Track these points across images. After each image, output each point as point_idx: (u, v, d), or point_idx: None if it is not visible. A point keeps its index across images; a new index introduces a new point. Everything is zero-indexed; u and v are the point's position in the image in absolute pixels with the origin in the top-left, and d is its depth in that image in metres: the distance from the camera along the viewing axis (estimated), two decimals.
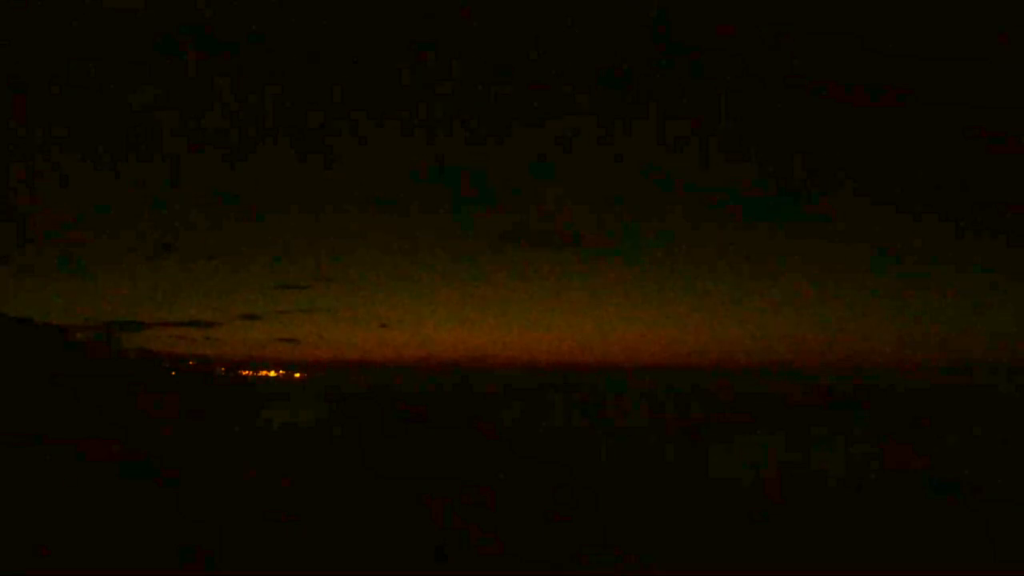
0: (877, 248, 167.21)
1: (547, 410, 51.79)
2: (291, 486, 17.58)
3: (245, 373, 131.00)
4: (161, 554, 11.40)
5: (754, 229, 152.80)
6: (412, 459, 23.23)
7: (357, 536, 12.73)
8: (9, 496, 15.83)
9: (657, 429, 37.41)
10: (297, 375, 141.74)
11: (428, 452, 25.15)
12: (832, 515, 15.53)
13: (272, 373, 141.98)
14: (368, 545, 12.14)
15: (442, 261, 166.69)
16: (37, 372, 56.23)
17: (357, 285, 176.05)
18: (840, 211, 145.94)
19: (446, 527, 13.56)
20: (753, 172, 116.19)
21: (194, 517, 13.84)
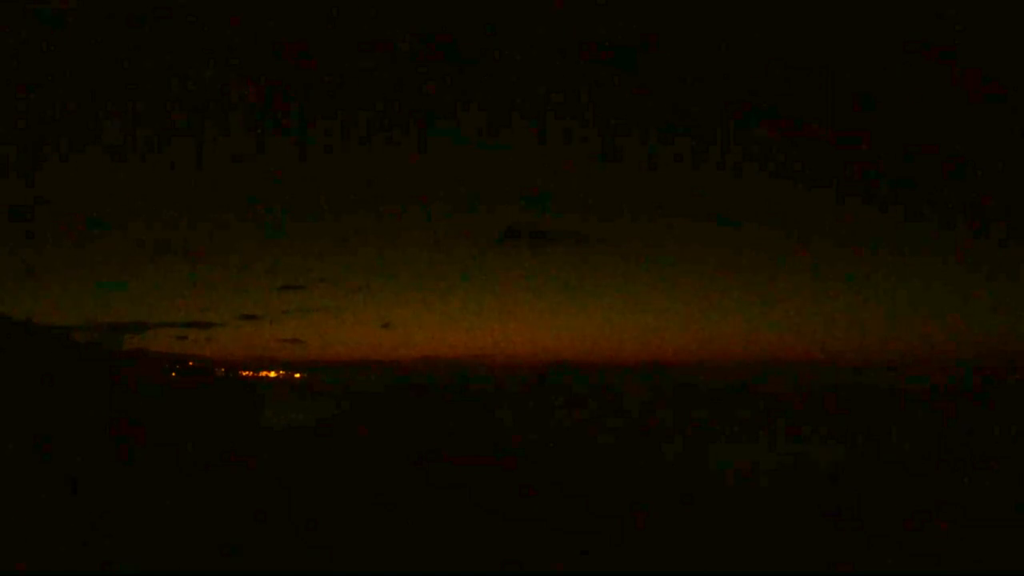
0: (879, 249, 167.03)
1: (547, 409, 51.78)
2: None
3: (245, 374, 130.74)
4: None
5: (755, 228, 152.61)
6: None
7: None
8: (9, 497, 15.88)
9: (657, 427, 37.45)
10: (297, 375, 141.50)
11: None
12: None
13: (272, 374, 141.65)
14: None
15: (443, 261, 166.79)
16: (37, 374, 56.21)
17: (358, 285, 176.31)
18: (840, 210, 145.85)
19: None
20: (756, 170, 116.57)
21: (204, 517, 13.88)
